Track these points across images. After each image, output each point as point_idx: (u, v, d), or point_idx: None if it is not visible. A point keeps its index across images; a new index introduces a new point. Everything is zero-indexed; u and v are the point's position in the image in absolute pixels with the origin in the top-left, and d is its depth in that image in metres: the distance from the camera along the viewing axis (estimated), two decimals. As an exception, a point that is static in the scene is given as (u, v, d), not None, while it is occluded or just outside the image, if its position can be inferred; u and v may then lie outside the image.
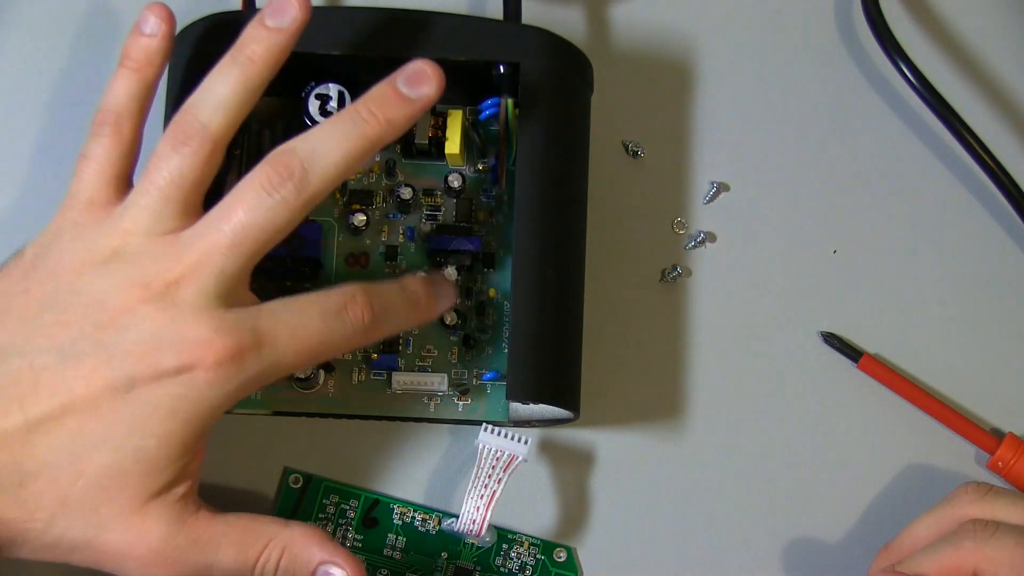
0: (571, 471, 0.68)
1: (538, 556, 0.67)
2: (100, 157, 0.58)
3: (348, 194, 0.67)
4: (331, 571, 0.57)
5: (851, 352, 0.69)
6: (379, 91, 0.58)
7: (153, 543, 0.55)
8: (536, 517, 0.67)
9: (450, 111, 0.66)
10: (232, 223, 0.56)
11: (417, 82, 0.58)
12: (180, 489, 0.56)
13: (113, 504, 0.55)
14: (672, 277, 0.69)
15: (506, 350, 0.65)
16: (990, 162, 0.68)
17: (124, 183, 0.59)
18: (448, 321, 0.65)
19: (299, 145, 0.57)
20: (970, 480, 0.65)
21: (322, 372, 0.65)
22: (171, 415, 0.55)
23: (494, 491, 0.63)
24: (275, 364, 0.56)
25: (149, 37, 0.60)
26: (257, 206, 0.56)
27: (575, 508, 0.68)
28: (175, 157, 0.57)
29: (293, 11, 0.59)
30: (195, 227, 0.57)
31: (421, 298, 0.61)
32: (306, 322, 0.57)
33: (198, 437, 0.56)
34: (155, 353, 0.54)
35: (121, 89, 0.59)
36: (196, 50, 0.64)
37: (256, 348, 0.55)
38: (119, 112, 0.59)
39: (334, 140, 0.57)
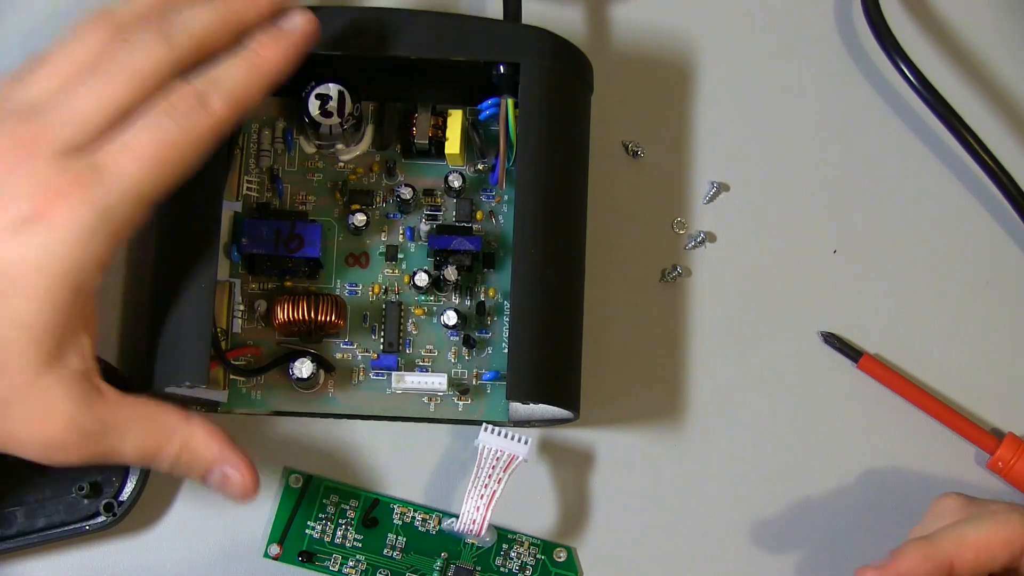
0: (571, 471, 0.68)
1: (538, 556, 0.67)
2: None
3: (348, 194, 0.67)
4: (227, 471, 0.58)
5: (851, 352, 0.69)
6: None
7: (59, 422, 0.55)
8: (536, 517, 0.67)
9: (450, 111, 0.66)
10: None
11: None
12: (74, 362, 0.55)
13: (6, 376, 0.54)
14: (672, 277, 0.69)
15: (506, 350, 0.65)
16: (990, 162, 0.68)
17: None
18: (448, 321, 0.65)
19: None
20: (951, 492, 0.63)
21: (322, 372, 0.65)
22: (38, 271, 0.54)
23: (494, 491, 0.63)
24: (126, 188, 0.55)
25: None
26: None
27: (575, 508, 0.68)
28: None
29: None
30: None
31: (259, 52, 0.59)
32: (138, 135, 0.55)
33: (74, 296, 0.55)
34: (5, 205, 0.54)
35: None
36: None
37: (96, 176, 0.54)
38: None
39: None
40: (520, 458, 0.63)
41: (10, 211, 0.54)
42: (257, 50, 0.58)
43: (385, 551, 0.67)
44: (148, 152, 0.55)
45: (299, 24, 0.59)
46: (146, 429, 0.57)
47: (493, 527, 0.66)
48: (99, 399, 0.56)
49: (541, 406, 0.65)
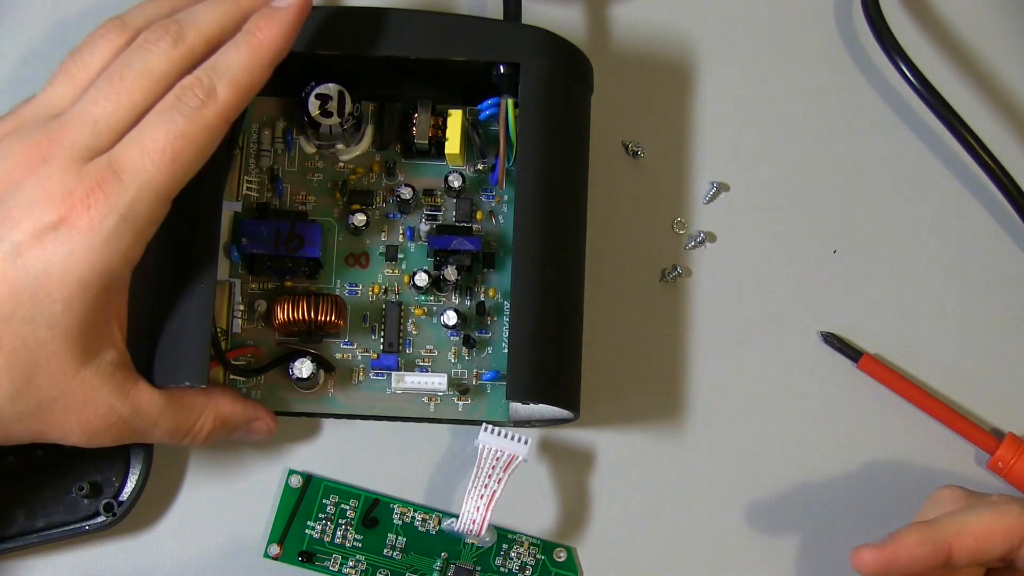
0: (571, 471, 0.68)
1: (538, 556, 0.67)
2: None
3: (348, 194, 0.67)
4: (253, 425, 0.64)
5: (851, 352, 0.69)
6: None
7: (100, 411, 0.58)
8: (536, 517, 0.67)
9: (450, 111, 0.66)
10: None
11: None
12: (109, 355, 0.58)
13: (46, 374, 0.57)
14: (672, 277, 0.69)
15: (506, 350, 0.65)
16: (990, 162, 0.68)
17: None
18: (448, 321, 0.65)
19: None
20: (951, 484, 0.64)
21: (322, 372, 0.65)
22: (67, 276, 0.56)
23: (494, 491, 0.63)
24: (143, 186, 0.56)
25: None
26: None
27: (575, 508, 0.68)
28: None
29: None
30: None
31: (256, 34, 0.59)
32: (150, 132, 0.57)
33: (103, 295, 0.57)
34: (28, 213, 0.56)
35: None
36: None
37: (114, 177, 0.56)
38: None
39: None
40: (520, 458, 0.63)
41: (36, 219, 0.56)
42: (254, 32, 0.59)
43: (385, 551, 0.67)
44: (160, 148, 0.57)
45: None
46: (176, 411, 0.61)
47: (493, 527, 0.66)
48: (134, 386, 0.59)
49: (541, 406, 0.65)
